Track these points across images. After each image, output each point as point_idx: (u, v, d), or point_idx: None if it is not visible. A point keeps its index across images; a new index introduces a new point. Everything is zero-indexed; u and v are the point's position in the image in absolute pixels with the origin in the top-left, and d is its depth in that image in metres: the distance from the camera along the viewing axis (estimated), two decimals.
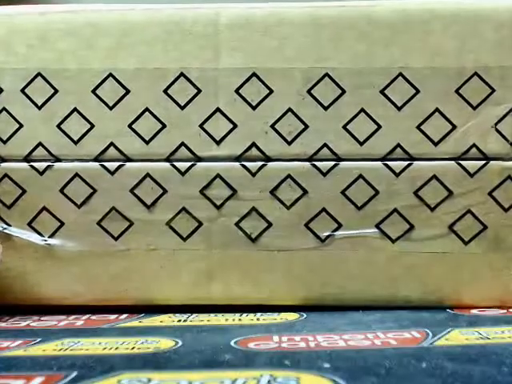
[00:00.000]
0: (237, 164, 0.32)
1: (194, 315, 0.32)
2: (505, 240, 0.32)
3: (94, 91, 0.32)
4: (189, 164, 0.32)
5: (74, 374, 0.22)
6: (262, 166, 0.32)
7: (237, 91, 0.31)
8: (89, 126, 0.32)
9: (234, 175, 0.32)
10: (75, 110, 0.32)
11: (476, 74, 0.31)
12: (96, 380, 0.21)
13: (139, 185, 0.32)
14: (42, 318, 0.32)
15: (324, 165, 0.31)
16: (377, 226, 0.32)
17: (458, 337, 0.26)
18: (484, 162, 0.31)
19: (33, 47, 0.32)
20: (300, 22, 0.31)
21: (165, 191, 0.32)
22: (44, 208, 0.32)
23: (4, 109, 0.32)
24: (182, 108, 0.32)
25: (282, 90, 0.31)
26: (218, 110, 0.32)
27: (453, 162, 0.31)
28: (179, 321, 0.31)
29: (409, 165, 0.31)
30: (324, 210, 0.32)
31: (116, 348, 0.25)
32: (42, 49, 0.32)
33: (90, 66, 0.32)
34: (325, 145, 0.31)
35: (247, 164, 0.32)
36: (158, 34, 0.31)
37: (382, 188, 0.31)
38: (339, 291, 0.32)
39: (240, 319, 0.31)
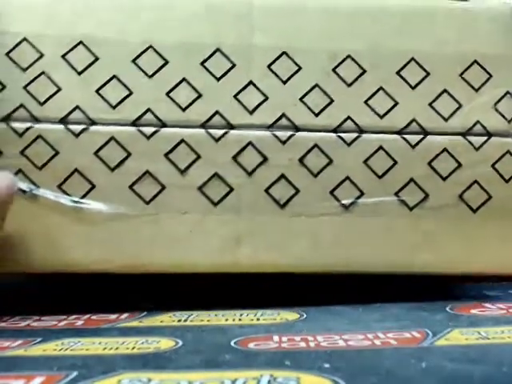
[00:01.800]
0: (268, 133, 0.33)
1: (195, 315, 0.32)
2: (509, 209, 0.34)
3: (133, 61, 0.33)
4: (223, 131, 0.33)
5: (75, 374, 0.22)
6: (292, 135, 0.33)
7: (268, 67, 0.34)
8: (127, 92, 0.33)
9: (265, 143, 0.33)
10: (114, 77, 0.33)
11: (475, 61, 0.35)
12: (96, 380, 0.21)
13: (174, 150, 0.33)
14: (42, 318, 0.31)
15: (348, 136, 0.34)
16: (395, 194, 0.34)
17: (458, 337, 0.26)
18: (487, 137, 0.34)
19: (77, 15, 0.33)
20: (323, 8, 0.34)
21: (198, 157, 0.33)
22: (76, 170, 0.32)
23: (43, 72, 0.32)
24: (218, 80, 0.33)
25: (310, 68, 0.34)
26: (250, 82, 0.33)
27: (460, 136, 0.34)
28: (179, 321, 0.31)
29: (423, 138, 0.34)
30: (348, 178, 0.34)
31: (116, 348, 0.25)
32: (85, 17, 0.33)
33: (131, 37, 0.33)
34: (348, 117, 0.34)
35: (277, 133, 0.33)
36: (197, 11, 0.33)
37: (400, 159, 0.34)
38: (362, 258, 0.33)
39: (240, 319, 0.31)
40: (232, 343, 0.26)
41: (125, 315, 0.32)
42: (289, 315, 0.31)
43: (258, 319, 0.31)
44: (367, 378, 0.21)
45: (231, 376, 0.21)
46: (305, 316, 0.31)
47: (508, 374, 0.21)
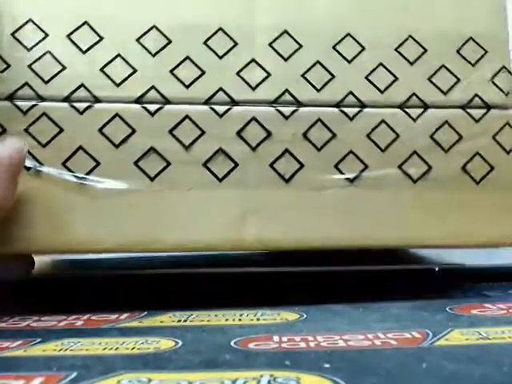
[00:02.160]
0: (271, 108, 0.34)
1: (195, 315, 0.32)
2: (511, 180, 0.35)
3: (138, 40, 0.34)
4: (226, 107, 0.34)
5: (74, 374, 0.22)
6: (295, 110, 0.34)
7: (270, 45, 0.35)
8: (131, 70, 0.33)
9: (268, 118, 0.34)
10: (119, 55, 0.33)
11: (471, 38, 0.36)
12: (96, 380, 0.21)
13: (178, 126, 0.33)
14: (42, 318, 0.31)
15: (350, 110, 0.34)
16: (399, 167, 0.34)
17: (459, 337, 0.26)
18: (486, 109, 0.35)
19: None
20: None
21: (203, 132, 0.33)
22: (80, 147, 0.32)
23: (48, 52, 0.33)
24: (220, 58, 0.34)
25: (311, 46, 0.35)
26: (253, 60, 0.34)
27: (460, 109, 0.35)
28: (179, 321, 0.31)
29: (424, 111, 0.35)
30: (351, 152, 0.34)
31: (116, 348, 0.25)
32: (89, 1, 0.34)
33: (136, 17, 0.34)
34: (350, 92, 0.35)
35: (281, 108, 0.34)
36: None
37: (402, 132, 0.35)
38: (366, 231, 0.34)
39: (240, 319, 0.31)
40: (232, 343, 0.26)
41: (125, 315, 0.32)
42: (289, 315, 0.31)
43: (258, 319, 0.31)
44: (367, 378, 0.21)
45: (231, 376, 0.21)
46: (305, 316, 0.31)
47: (508, 374, 0.21)
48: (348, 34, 0.35)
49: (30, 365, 0.23)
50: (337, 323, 0.29)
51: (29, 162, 0.32)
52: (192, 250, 0.33)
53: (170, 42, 0.34)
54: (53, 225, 0.32)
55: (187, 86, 0.33)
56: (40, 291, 0.40)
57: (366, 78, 0.35)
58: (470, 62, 0.36)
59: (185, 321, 0.31)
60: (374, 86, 0.35)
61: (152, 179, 0.33)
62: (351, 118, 0.34)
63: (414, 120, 0.35)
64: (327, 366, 0.22)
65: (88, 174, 0.32)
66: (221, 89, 0.34)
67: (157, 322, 0.30)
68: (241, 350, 0.25)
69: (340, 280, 0.40)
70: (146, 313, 0.32)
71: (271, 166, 0.33)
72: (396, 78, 0.35)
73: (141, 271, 0.48)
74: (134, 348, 0.25)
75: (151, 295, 0.38)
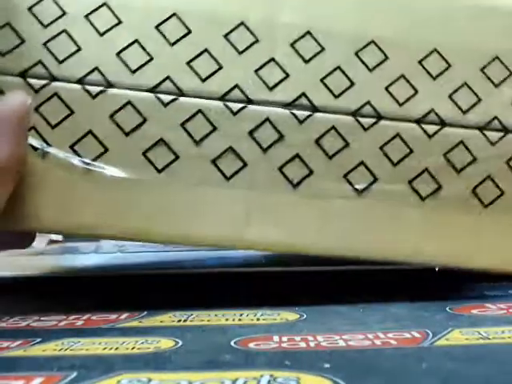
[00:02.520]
0: (286, 111, 0.33)
1: (195, 315, 0.32)
2: None
3: (157, 27, 0.33)
4: (241, 105, 0.33)
5: (74, 374, 0.22)
6: (310, 115, 0.33)
7: (292, 45, 0.34)
8: (148, 58, 0.33)
9: (282, 121, 0.33)
10: (136, 41, 0.33)
11: (497, 57, 0.35)
12: (96, 380, 0.21)
13: (190, 119, 0.32)
14: (42, 318, 0.31)
15: (366, 120, 0.34)
16: (409, 183, 0.34)
17: (459, 337, 0.26)
18: (503, 133, 0.35)
19: None
20: None
21: (214, 129, 0.32)
22: (90, 132, 0.32)
23: (64, 30, 0.32)
24: (240, 53, 0.33)
25: (333, 50, 0.34)
26: (272, 59, 0.33)
27: (477, 130, 0.34)
28: (179, 321, 0.31)
29: (440, 129, 0.34)
30: (362, 162, 0.33)
31: (116, 348, 0.25)
32: None
33: (156, 3, 0.33)
34: (368, 102, 0.34)
35: (296, 111, 0.33)
36: None
37: (416, 148, 0.34)
38: (370, 244, 0.33)
39: (240, 319, 0.31)
40: (232, 343, 0.26)
41: (125, 315, 0.32)
42: (289, 315, 0.31)
43: (258, 319, 0.31)
44: (367, 378, 0.21)
45: (231, 376, 0.21)
46: (305, 316, 0.31)
47: (509, 374, 0.21)
48: (372, 41, 0.34)
49: (30, 365, 0.23)
50: (337, 323, 0.29)
51: (36, 142, 0.31)
52: (193, 244, 0.33)
53: (189, 31, 0.33)
54: (59, 206, 0.31)
55: (203, 80, 0.33)
56: (40, 291, 0.40)
57: (386, 88, 0.34)
58: (493, 82, 0.35)
59: (185, 321, 0.31)
60: (393, 97, 0.34)
61: (159, 171, 0.32)
62: (366, 129, 0.33)
63: (430, 137, 0.34)
64: (327, 366, 0.22)
65: (96, 159, 0.32)
66: (237, 86, 0.33)
67: (157, 322, 0.30)
68: (241, 350, 0.25)
69: (340, 280, 0.40)
70: (145, 313, 0.32)
71: (280, 169, 0.33)
72: (416, 92, 0.34)
73: (141, 271, 0.48)
74: (133, 348, 0.25)
75: (151, 295, 0.38)
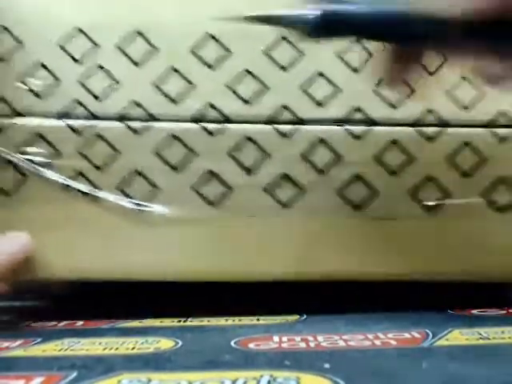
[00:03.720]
0: (340, 128, 0.31)
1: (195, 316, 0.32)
2: None
3: (193, 51, 0.31)
4: (291, 127, 0.31)
5: (74, 374, 0.22)
6: (367, 130, 0.31)
7: (338, 55, 0.31)
8: (188, 85, 0.31)
9: (336, 139, 0.31)
10: (173, 69, 0.31)
11: None
12: (96, 380, 0.21)
13: (238, 147, 0.31)
14: (42, 318, 0.31)
15: (429, 130, 0.31)
16: (482, 195, 0.31)
17: (459, 337, 0.26)
18: None
19: (134, 6, 0.31)
20: None
21: (265, 154, 0.31)
22: (136, 171, 0.30)
23: (99, 65, 0.31)
24: (284, 70, 0.31)
25: None
26: (320, 73, 0.31)
27: None
28: (179, 321, 0.31)
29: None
30: (430, 177, 0.31)
31: (116, 348, 0.25)
32: (142, 9, 0.31)
33: (191, 28, 0.31)
34: (429, 111, 0.31)
35: (351, 127, 0.31)
36: (260, 2, 0.31)
37: (489, 155, 0.31)
38: (440, 264, 0.32)
39: (240, 319, 0.31)
40: (232, 343, 0.26)
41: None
42: (289, 315, 0.31)
43: (258, 319, 0.31)
44: (367, 378, 0.21)
45: (231, 376, 0.21)
46: (305, 316, 0.31)
47: (509, 374, 0.21)
48: None
49: (29, 365, 0.23)
50: (337, 323, 0.29)
51: (84, 187, 0.30)
52: (257, 280, 0.31)
53: (229, 52, 0.31)
54: (109, 253, 0.30)
55: (248, 102, 0.31)
56: (41, 292, 0.40)
57: (448, 93, 0.31)
58: None
59: (185, 321, 0.31)
60: (456, 102, 0.31)
61: (212, 204, 0.31)
62: (430, 138, 0.31)
63: (501, 141, 0.31)
64: (327, 366, 0.22)
65: (145, 198, 0.30)
66: (285, 106, 0.31)
67: (157, 322, 0.30)
68: (241, 350, 0.25)
69: (340, 280, 0.40)
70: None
71: (339, 191, 0.31)
72: (483, 94, 0.31)
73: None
74: (134, 348, 0.25)
75: (151, 296, 0.38)
